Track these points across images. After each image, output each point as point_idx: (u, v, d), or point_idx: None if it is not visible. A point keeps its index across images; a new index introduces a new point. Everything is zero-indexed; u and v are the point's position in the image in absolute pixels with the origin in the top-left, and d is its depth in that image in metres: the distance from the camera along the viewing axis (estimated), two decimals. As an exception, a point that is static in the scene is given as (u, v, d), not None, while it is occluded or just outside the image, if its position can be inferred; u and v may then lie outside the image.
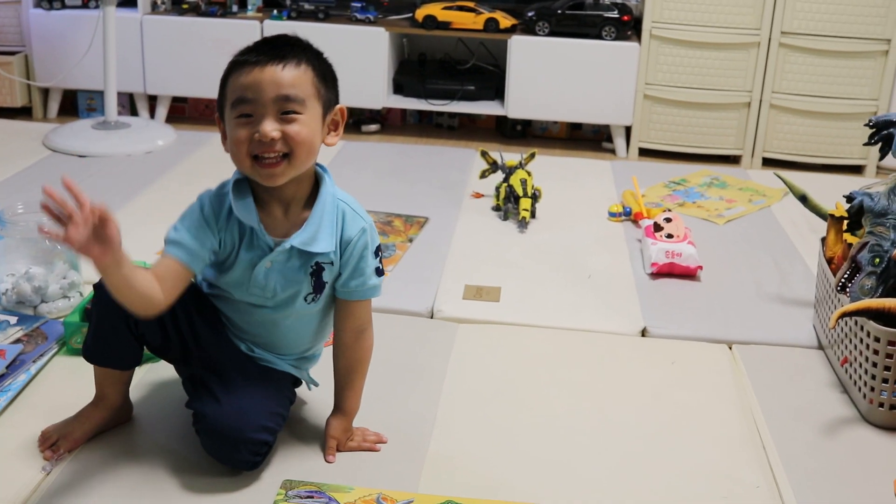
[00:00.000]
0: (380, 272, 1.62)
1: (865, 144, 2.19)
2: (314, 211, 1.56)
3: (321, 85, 1.53)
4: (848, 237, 2.11)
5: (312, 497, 1.55)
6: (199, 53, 3.63)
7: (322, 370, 1.71)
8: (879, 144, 2.13)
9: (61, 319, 2.03)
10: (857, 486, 1.66)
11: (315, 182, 1.59)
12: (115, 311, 1.51)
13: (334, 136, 1.59)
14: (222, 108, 1.54)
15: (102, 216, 1.32)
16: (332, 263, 1.59)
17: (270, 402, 1.61)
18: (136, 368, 1.70)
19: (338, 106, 1.58)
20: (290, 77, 1.48)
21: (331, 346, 1.69)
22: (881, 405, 1.83)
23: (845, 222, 2.11)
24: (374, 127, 3.89)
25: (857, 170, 3.58)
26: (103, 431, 1.69)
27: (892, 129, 2.09)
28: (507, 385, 1.94)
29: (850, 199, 2.05)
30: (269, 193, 1.56)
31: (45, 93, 3.89)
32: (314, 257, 1.57)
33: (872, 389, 1.83)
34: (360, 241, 1.59)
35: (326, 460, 1.65)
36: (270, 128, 1.47)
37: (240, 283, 1.60)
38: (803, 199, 2.35)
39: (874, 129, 2.12)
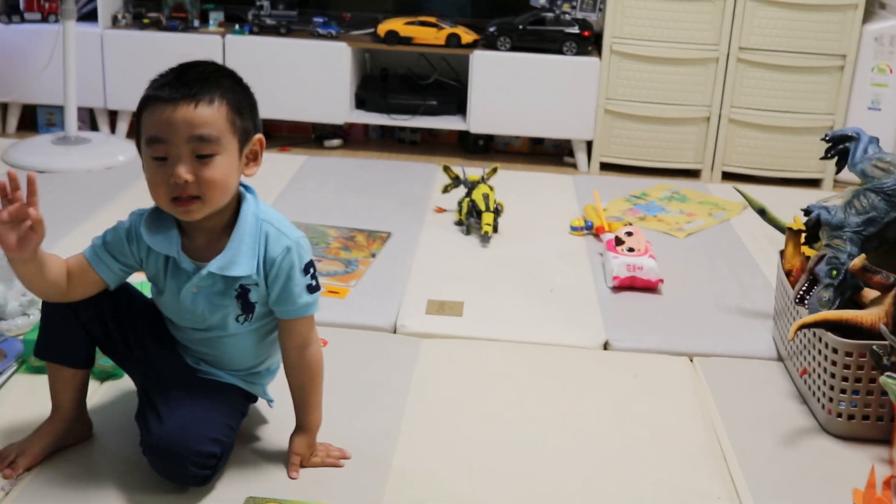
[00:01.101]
0: (312, 289, 1.61)
1: (822, 158, 2.22)
2: (233, 235, 1.56)
3: (237, 118, 1.52)
4: (806, 250, 2.14)
5: (276, 513, 1.54)
6: (161, 68, 3.55)
7: (283, 387, 1.70)
8: (836, 158, 2.16)
9: (21, 337, 2.01)
10: (817, 496, 1.68)
11: (238, 204, 1.59)
12: (63, 306, 1.59)
13: (254, 167, 1.59)
14: (139, 137, 1.54)
15: (34, 225, 1.43)
16: (256, 284, 1.59)
17: (216, 414, 1.60)
18: (97, 385, 1.70)
19: (256, 136, 1.58)
20: (204, 116, 1.48)
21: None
22: (839, 415, 1.85)
23: (803, 235, 2.13)
24: (336, 142, 3.89)
25: (814, 183, 3.63)
26: (62, 447, 1.68)
27: (847, 144, 2.12)
28: (471, 399, 1.94)
29: (807, 212, 2.08)
30: (190, 222, 1.56)
31: (4, 107, 3.85)
32: (237, 280, 1.57)
33: (831, 400, 1.86)
34: (285, 261, 1.58)
35: (290, 476, 1.64)
36: (183, 171, 1.47)
37: (172, 307, 1.62)
38: (762, 212, 2.38)
39: (830, 144, 2.15)
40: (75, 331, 1.62)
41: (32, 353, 1.69)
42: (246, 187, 1.60)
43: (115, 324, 1.63)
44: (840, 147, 2.14)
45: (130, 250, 1.59)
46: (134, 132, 1.56)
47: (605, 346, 2.20)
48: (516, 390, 1.99)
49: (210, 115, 1.48)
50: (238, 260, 1.55)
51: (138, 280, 1.70)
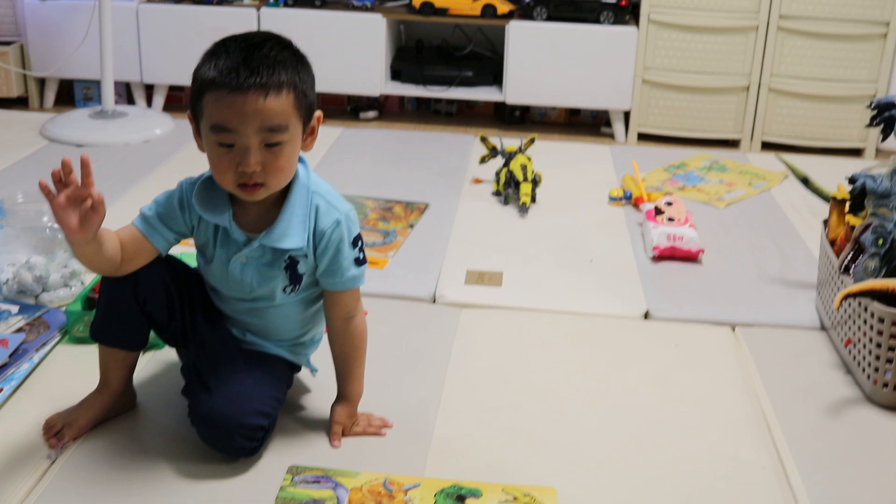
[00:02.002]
0: (360, 262, 1.61)
1: (867, 126, 2.19)
2: (285, 207, 1.56)
3: (303, 101, 1.51)
4: (850, 219, 2.11)
5: (319, 482, 1.55)
6: (196, 42, 3.54)
7: (327, 358, 1.70)
8: (881, 126, 2.12)
9: (63, 308, 2.03)
10: (862, 466, 1.66)
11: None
12: (124, 288, 1.58)
13: (311, 141, 1.58)
14: (196, 113, 1.51)
15: (95, 205, 1.39)
16: (305, 256, 1.58)
17: (264, 387, 1.61)
18: (139, 357, 1.71)
19: (316, 113, 1.56)
20: (274, 107, 1.45)
21: (334, 333, 1.69)
22: (885, 385, 1.83)
23: (847, 204, 2.10)
24: (372, 114, 3.88)
25: (856, 153, 3.58)
26: (108, 419, 1.69)
27: (893, 112, 2.09)
28: (511, 369, 1.93)
29: (852, 181, 2.05)
30: None
31: (42, 83, 3.87)
32: (286, 252, 1.57)
33: (876, 370, 1.83)
34: (334, 234, 1.57)
35: (332, 446, 1.65)
36: (253, 162, 1.46)
37: (219, 277, 1.61)
38: (805, 181, 2.35)
39: (875, 112, 2.12)
40: (136, 317, 1.62)
41: (90, 335, 1.68)
42: (298, 158, 1.59)
43: (180, 311, 1.64)
44: (886, 115, 2.10)
45: (183, 218, 1.58)
46: (188, 104, 1.53)
47: (646, 316, 2.18)
48: (557, 360, 1.98)
49: (280, 104, 1.45)
50: (289, 232, 1.55)
51: (179, 251, 1.71)
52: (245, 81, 1.43)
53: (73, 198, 1.40)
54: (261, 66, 1.44)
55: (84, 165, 1.40)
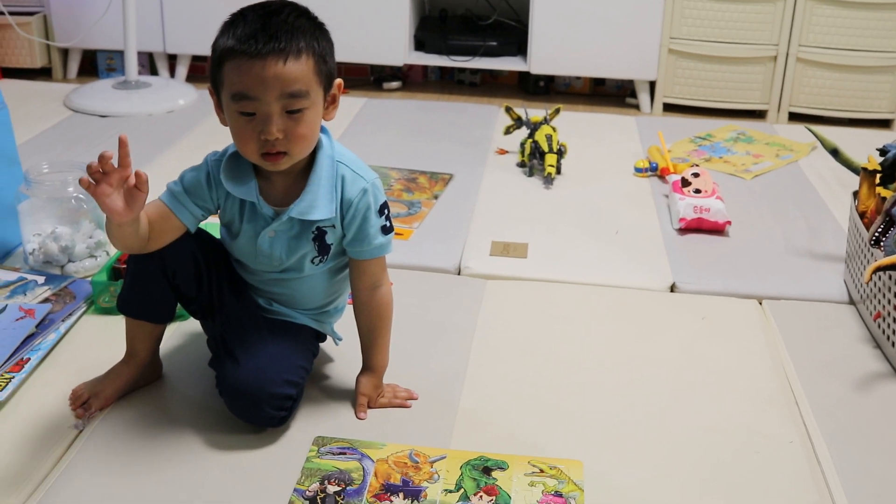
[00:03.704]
0: (387, 230, 1.60)
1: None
2: (311, 178, 1.55)
3: (322, 66, 1.50)
4: (881, 191, 2.08)
5: (345, 453, 1.55)
6: (219, 11, 3.53)
7: (351, 328, 1.70)
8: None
9: (89, 279, 2.03)
10: (891, 441, 1.65)
11: (315, 146, 1.57)
12: (152, 261, 1.57)
13: (333, 110, 1.57)
14: (217, 84, 1.50)
15: (140, 184, 1.40)
16: (334, 227, 1.58)
17: (291, 356, 1.60)
18: (165, 328, 1.71)
19: (337, 80, 1.55)
20: (294, 72, 1.44)
21: (359, 303, 1.68)
22: (915, 359, 1.81)
23: (878, 175, 2.08)
24: (395, 84, 3.86)
25: (885, 124, 3.53)
26: (134, 389, 1.69)
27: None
28: (537, 340, 1.93)
29: (883, 152, 2.02)
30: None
31: (65, 53, 3.87)
32: (315, 223, 1.56)
33: (906, 344, 1.82)
34: (361, 202, 1.56)
35: (358, 417, 1.65)
36: (275, 129, 1.45)
37: (247, 251, 1.61)
38: (834, 152, 2.32)
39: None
40: (163, 290, 1.62)
41: (116, 307, 1.68)
42: (321, 128, 1.58)
43: (207, 283, 1.63)
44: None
45: (210, 195, 1.58)
46: (208, 77, 1.53)
47: (672, 289, 2.17)
48: (582, 331, 1.97)
49: (299, 69, 1.44)
50: (317, 204, 1.54)
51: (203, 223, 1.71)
52: (264, 47, 1.42)
53: (115, 183, 1.40)
54: (279, 32, 1.43)
55: (122, 146, 1.40)
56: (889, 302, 1.86)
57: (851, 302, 2.11)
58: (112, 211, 1.40)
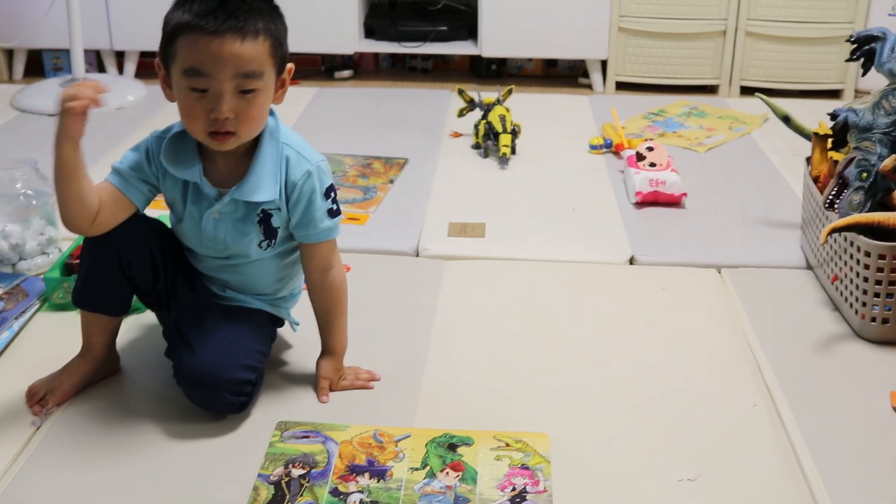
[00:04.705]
0: (333, 213, 1.58)
1: (847, 61, 2.17)
2: (255, 160, 1.53)
3: (278, 49, 1.48)
4: (833, 154, 2.10)
5: (308, 437, 1.53)
6: (166, 7, 3.53)
7: (309, 313, 1.68)
8: (861, 60, 2.10)
9: (41, 276, 2.00)
10: (853, 401, 1.66)
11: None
12: (107, 253, 1.55)
13: (282, 94, 1.55)
14: (167, 58, 1.48)
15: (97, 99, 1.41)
16: (279, 209, 1.56)
17: (248, 341, 1.59)
18: (122, 321, 1.68)
19: (288, 66, 1.54)
20: (250, 52, 1.42)
21: (318, 287, 1.66)
22: (873, 320, 1.82)
23: (830, 140, 2.09)
24: (346, 73, 3.84)
25: (834, 94, 3.56)
26: (91, 384, 1.66)
27: (873, 45, 2.06)
28: (498, 318, 1.92)
29: (834, 116, 2.03)
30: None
31: (10, 54, 3.80)
32: (259, 205, 1.54)
33: (864, 305, 1.83)
34: (306, 185, 1.55)
35: (320, 400, 1.63)
36: (226, 108, 1.43)
37: (193, 235, 1.59)
38: (786, 119, 2.33)
39: (856, 45, 2.10)
40: (119, 282, 1.59)
41: (71, 301, 1.65)
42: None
43: (163, 274, 1.61)
44: (866, 48, 2.08)
45: (150, 171, 1.56)
46: (158, 53, 1.50)
47: (631, 262, 2.17)
48: (543, 307, 1.96)
49: (256, 49, 1.43)
50: (261, 185, 1.52)
51: (157, 213, 1.68)
52: (222, 25, 1.40)
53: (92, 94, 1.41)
54: (238, 11, 1.42)
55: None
56: (845, 263, 1.87)
57: (809, 267, 2.13)
58: (76, 121, 1.40)
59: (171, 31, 1.44)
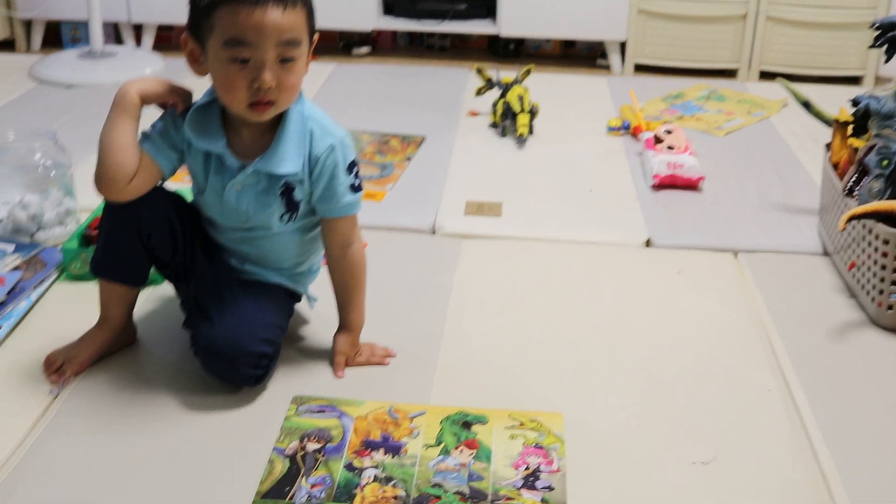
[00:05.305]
0: (356, 188, 1.59)
1: (870, 48, 2.16)
2: (280, 132, 1.53)
3: (312, 18, 1.50)
4: (853, 141, 2.08)
5: (324, 411, 1.54)
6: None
7: (327, 289, 1.69)
8: (885, 47, 2.08)
9: (59, 247, 2.00)
10: (867, 388, 1.66)
11: None
12: (127, 222, 1.56)
13: (308, 64, 1.55)
14: (202, 31, 1.48)
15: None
16: (301, 182, 1.56)
17: (266, 315, 1.59)
18: (139, 292, 1.69)
19: (316, 34, 1.55)
20: (291, 21, 1.44)
21: (334, 263, 1.67)
22: (890, 307, 1.82)
23: (850, 127, 2.08)
24: (364, 49, 3.83)
25: (854, 81, 3.54)
26: (108, 354, 1.67)
27: (897, 31, 2.05)
28: (514, 297, 1.92)
29: (855, 102, 2.02)
30: (237, 119, 1.54)
31: (28, 25, 3.81)
32: (282, 178, 1.55)
33: (881, 292, 1.82)
34: (329, 160, 1.55)
35: (336, 376, 1.64)
36: (269, 77, 1.44)
37: (215, 206, 1.59)
38: (806, 105, 2.32)
39: (879, 31, 2.08)
40: (138, 252, 1.60)
41: (89, 270, 1.66)
42: None
43: (182, 246, 1.61)
44: (889, 35, 2.06)
45: (178, 139, 1.57)
46: (187, 28, 1.50)
47: (647, 244, 2.17)
48: (559, 288, 1.96)
49: (296, 18, 1.44)
50: (284, 157, 1.53)
51: (176, 187, 1.69)
52: None
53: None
54: None
55: None
56: (863, 251, 1.87)
57: (826, 253, 2.12)
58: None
59: (209, 4, 1.45)
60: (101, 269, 1.63)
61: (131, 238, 1.58)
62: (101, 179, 1.51)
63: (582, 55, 3.88)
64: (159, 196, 1.58)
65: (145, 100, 1.53)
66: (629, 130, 2.81)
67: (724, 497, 1.40)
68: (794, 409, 1.60)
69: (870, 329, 1.84)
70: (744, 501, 1.39)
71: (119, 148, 1.50)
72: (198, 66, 1.51)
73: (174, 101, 1.56)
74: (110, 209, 1.57)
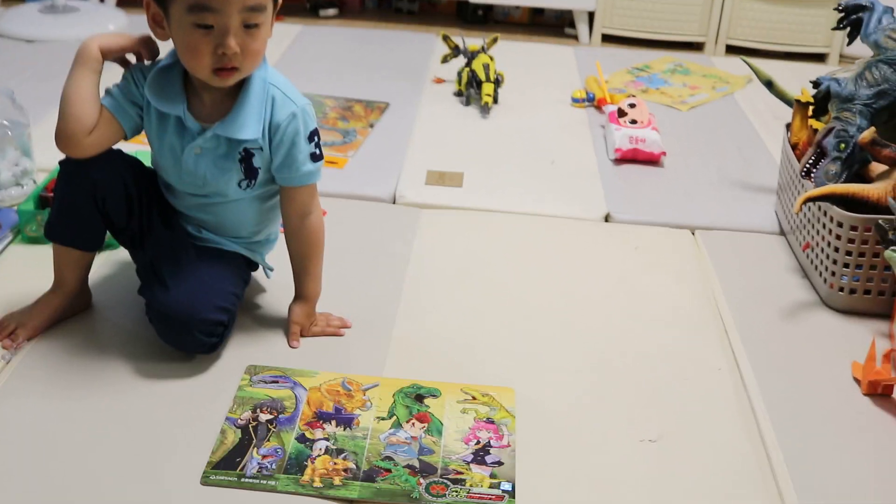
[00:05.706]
0: (316, 157, 1.58)
1: (834, 29, 2.16)
2: (241, 97, 1.52)
3: None
4: (813, 123, 2.10)
5: (277, 381, 1.54)
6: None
7: (283, 258, 1.68)
8: (848, 29, 2.10)
9: (15, 207, 1.98)
10: (816, 368, 1.68)
11: None
12: (82, 186, 1.54)
13: (271, 28, 1.54)
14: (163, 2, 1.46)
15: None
16: (261, 149, 1.55)
17: (222, 282, 1.59)
18: (94, 256, 1.68)
19: None
20: None
21: (293, 232, 1.66)
22: (841, 289, 1.84)
23: (811, 108, 2.09)
24: (332, 11, 3.80)
25: (820, 58, 3.56)
26: (62, 319, 1.66)
27: (861, 14, 2.06)
28: (472, 269, 1.93)
29: (816, 84, 2.03)
30: (198, 82, 1.52)
31: (-11, -25, 3.74)
32: (241, 144, 1.54)
33: (833, 274, 1.85)
34: (290, 127, 1.54)
35: (290, 346, 1.64)
36: (234, 43, 1.43)
37: (172, 170, 1.58)
38: (769, 84, 2.33)
39: (843, 13, 2.09)
40: (93, 217, 1.58)
41: (43, 235, 1.65)
42: None
43: (138, 212, 1.60)
44: (853, 17, 2.08)
45: (139, 93, 1.55)
46: None
47: (606, 219, 2.18)
48: (517, 261, 1.97)
49: None
50: (245, 123, 1.52)
51: (135, 149, 1.67)
52: None
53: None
54: None
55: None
56: (818, 233, 1.89)
57: (782, 233, 2.14)
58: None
59: None
60: (56, 233, 1.61)
61: (86, 202, 1.56)
62: (60, 134, 1.50)
63: (550, 23, 3.88)
64: (115, 160, 1.57)
65: (106, 54, 1.51)
66: (593, 103, 2.81)
67: (669, 475, 1.42)
68: (743, 388, 1.62)
69: (821, 310, 1.86)
70: (689, 479, 1.42)
71: (78, 101, 1.48)
72: (160, 30, 1.49)
73: (138, 50, 1.54)
74: (65, 173, 1.56)
